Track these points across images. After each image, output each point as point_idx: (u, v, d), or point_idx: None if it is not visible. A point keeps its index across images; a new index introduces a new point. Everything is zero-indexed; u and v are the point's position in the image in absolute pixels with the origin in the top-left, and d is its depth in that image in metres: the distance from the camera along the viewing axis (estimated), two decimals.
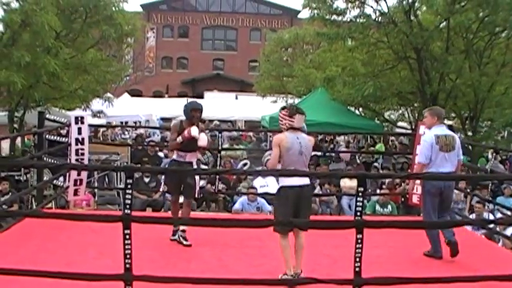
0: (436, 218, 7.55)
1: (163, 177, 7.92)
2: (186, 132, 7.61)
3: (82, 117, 9.95)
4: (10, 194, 12.61)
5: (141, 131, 28.26)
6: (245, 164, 16.61)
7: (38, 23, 14.92)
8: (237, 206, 12.13)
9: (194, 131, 7.58)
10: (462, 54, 16.11)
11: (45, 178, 10.71)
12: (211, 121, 28.48)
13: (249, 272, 6.53)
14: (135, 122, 29.37)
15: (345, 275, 5.18)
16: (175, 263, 6.87)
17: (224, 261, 7.04)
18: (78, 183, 9.75)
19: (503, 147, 16.78)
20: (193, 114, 7.80)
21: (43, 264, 6.07)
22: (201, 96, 40.95)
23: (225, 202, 13.96)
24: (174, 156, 8.04)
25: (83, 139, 9.77)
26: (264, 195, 12.43)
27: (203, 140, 7.75)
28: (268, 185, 13.69)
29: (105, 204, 13.78)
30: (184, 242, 7.59)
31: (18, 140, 21.43)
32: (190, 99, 34.59)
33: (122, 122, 27.11)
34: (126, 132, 28.84)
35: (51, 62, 15.30)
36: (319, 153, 18.83)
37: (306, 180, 6.30)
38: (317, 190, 14.15)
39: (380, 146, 23.34)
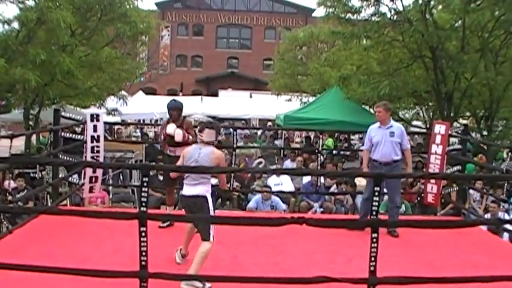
0: None
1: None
2: (163, 130, 8.65)
3: (97, 115, 10.03)
4: (25, 191, 12.69)
5: (156, 129, 28.40)
6: (260, 163, 16.61)
7: (53, 20, 14.94)
8: (251, 204, 12.12)
9: (169, 128, 8.50)
10: (478, 53, 16.00)
11: (60, 175, 10.75)
12: (221, 120, 28.45)
13: (263, 270, 6.53)
14: (148, 120, 29.44)
15: (360, 274, 5.17)
16: (190, 261, 6.87)
17: (239, 259, 7.05)
18: (93, 180, 9.82)
19: None
20: (170, 113, 8.73)
21: (58, 260, 6.08)
22: (216, 95, 40.99)
23: (239, 200, 13.94)
24: (168, 151, 8.81)
25: (98, 137, 9.84)
26: (278, 193, 12.44)
27: (178, 134, 8.48)
28: (283, 183, 13.69)
29: (120, 202, 13.83)
30: None
31: (33, 137, 21.52)
32: (204, 98, 34.77)
33: (137, 120, 27.20)
34: (138, 130, 28.92)
35: (66, 60, 15.33)
36: (333, 152, 18.80)
37: (193, 191, 6.62)
38: (332, 189, 14.11)
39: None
